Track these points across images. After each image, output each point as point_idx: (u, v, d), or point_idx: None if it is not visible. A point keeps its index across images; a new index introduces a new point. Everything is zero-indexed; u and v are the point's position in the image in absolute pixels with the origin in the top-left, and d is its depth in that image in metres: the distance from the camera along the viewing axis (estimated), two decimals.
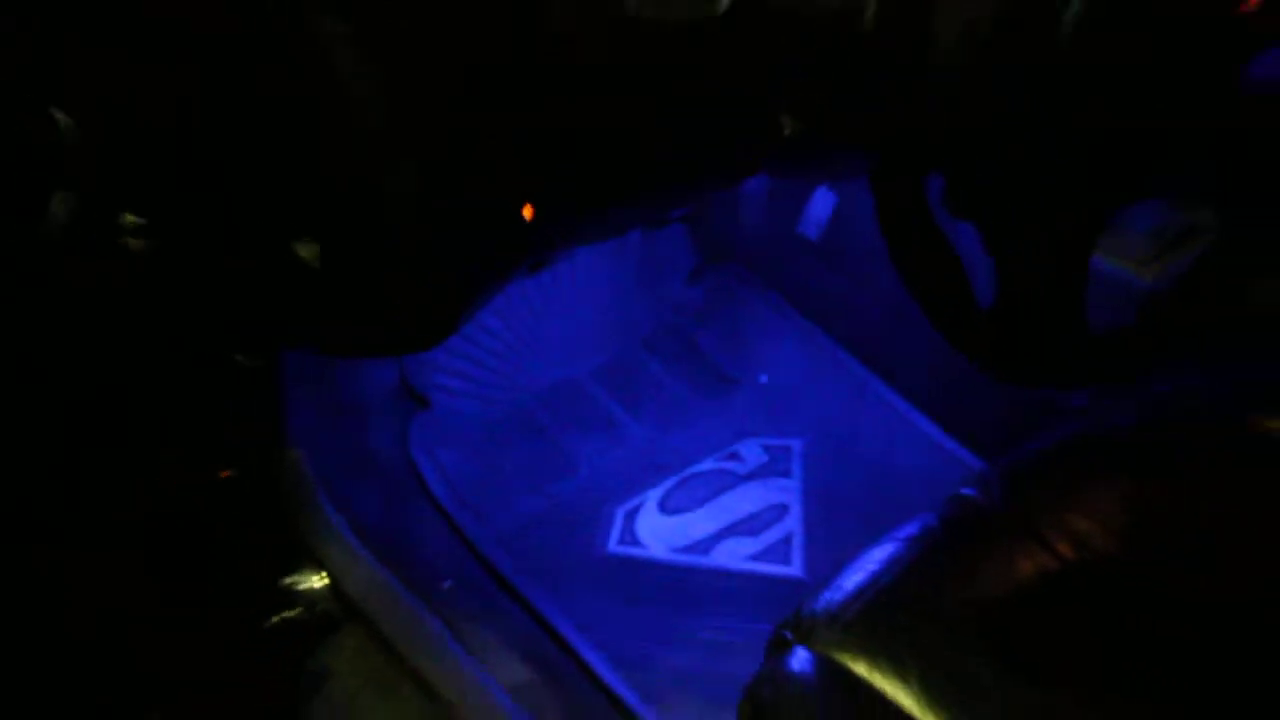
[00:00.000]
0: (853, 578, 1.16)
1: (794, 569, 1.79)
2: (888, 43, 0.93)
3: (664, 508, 1.87)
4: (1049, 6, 0.94)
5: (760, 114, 1.16)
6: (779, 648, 1.14)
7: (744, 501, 1.89)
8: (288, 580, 1.63)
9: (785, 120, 1.16)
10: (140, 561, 1.41)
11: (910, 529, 1.20)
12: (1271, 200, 1.14)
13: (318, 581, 1.63)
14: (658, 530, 1.85)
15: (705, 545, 1.82)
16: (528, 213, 1.12)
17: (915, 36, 0.93)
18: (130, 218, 1.06)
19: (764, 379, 2.06)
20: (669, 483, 1.92)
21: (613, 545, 1.83)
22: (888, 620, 1.12)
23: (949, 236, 1.00)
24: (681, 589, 1.77)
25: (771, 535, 1.84)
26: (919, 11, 0.93)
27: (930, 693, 1.06)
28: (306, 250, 1.10)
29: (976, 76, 0.96)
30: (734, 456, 1.95)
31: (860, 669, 1.08)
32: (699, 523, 1.86)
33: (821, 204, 2.02)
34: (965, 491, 1.23)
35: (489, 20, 1.05)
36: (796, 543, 1.82)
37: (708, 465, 1.94)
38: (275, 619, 1.62)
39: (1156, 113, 1.02)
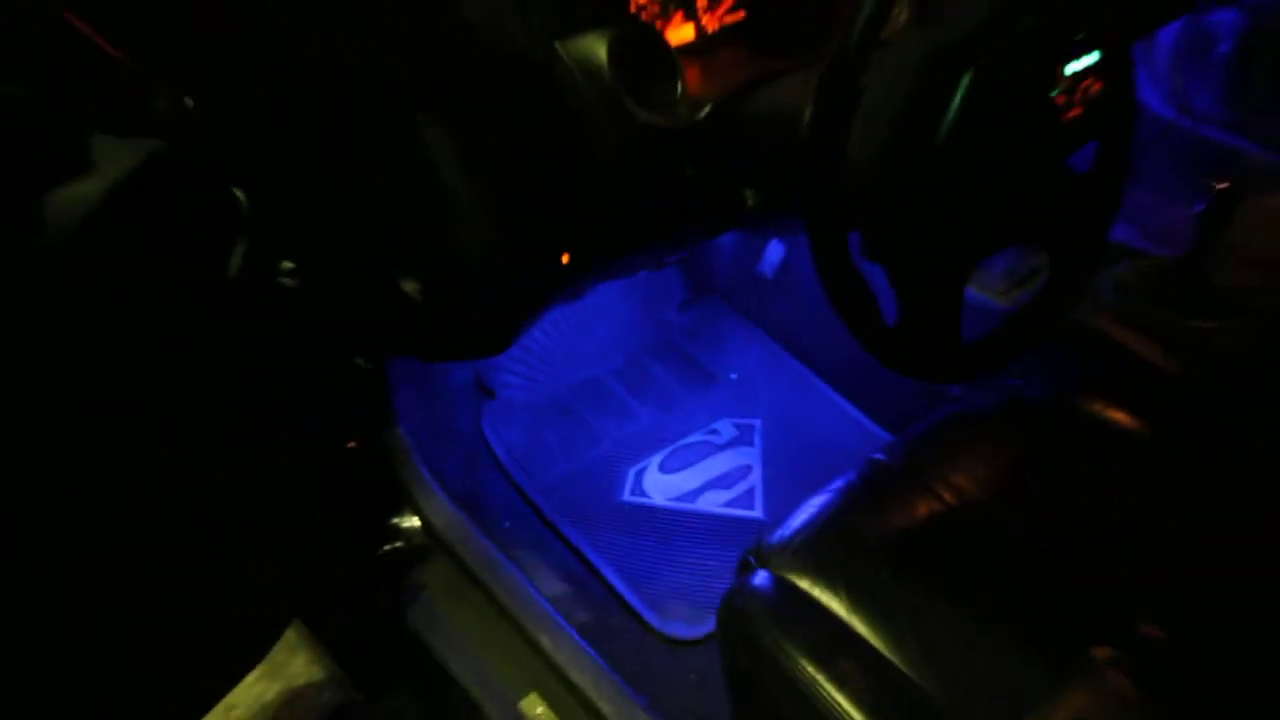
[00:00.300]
0: (798, 518, 1.17)
1: (756, 512, 1.79)
2: (817, 140, 0.94)
3: (663, 468, 1.87)
4: (929, 123, 0.96)
5: (730, 189, 1.17)
6: (745, 569, 1.16)
7: (720, 464, 1.88)
8: (393, 521, 1.63)
9: (748, 193, 1.18)
10: (201, 551, 1.25)
11: (838, 483, 1.21)
12: (1086, 252, 1.16)
13: (414, 522, 1.63)
14: (658, 484, 1.84)
15: (692, 495, 1.82)
16: (565, 259, 1.15)
17: (837, 136, 0.94)
18: (286, 264, 1.06)
19: (734, 376, 2.05)
20: (666, 450, 1.91)
21: (625, 495, 1.83)
22: (823, 548, 1.13)
23: (864, 274, 1.01)
24: (675, 527, 1.77)
25: (740, 488, 1.84)
26: (839, 120, 0.93)
27: (853, 598, 1.08)
28: (410, 287, 1.12)
29: (879, 167, 0.97)
30: (713, 432, 1.95)
31: (804, 584, 1.10)
32: (688, 479, 1.85)
33: (775, 251, 2.02)
34: (877, 456, 1.24)
35: (545, 133, 1.08)
36: (757, 493, 1.82)
37: (694, 438, 1.94)
38: (385, 549, 1.63)
39: (1008, 193, 1.04)
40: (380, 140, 1.05)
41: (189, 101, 0.94)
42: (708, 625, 1.56)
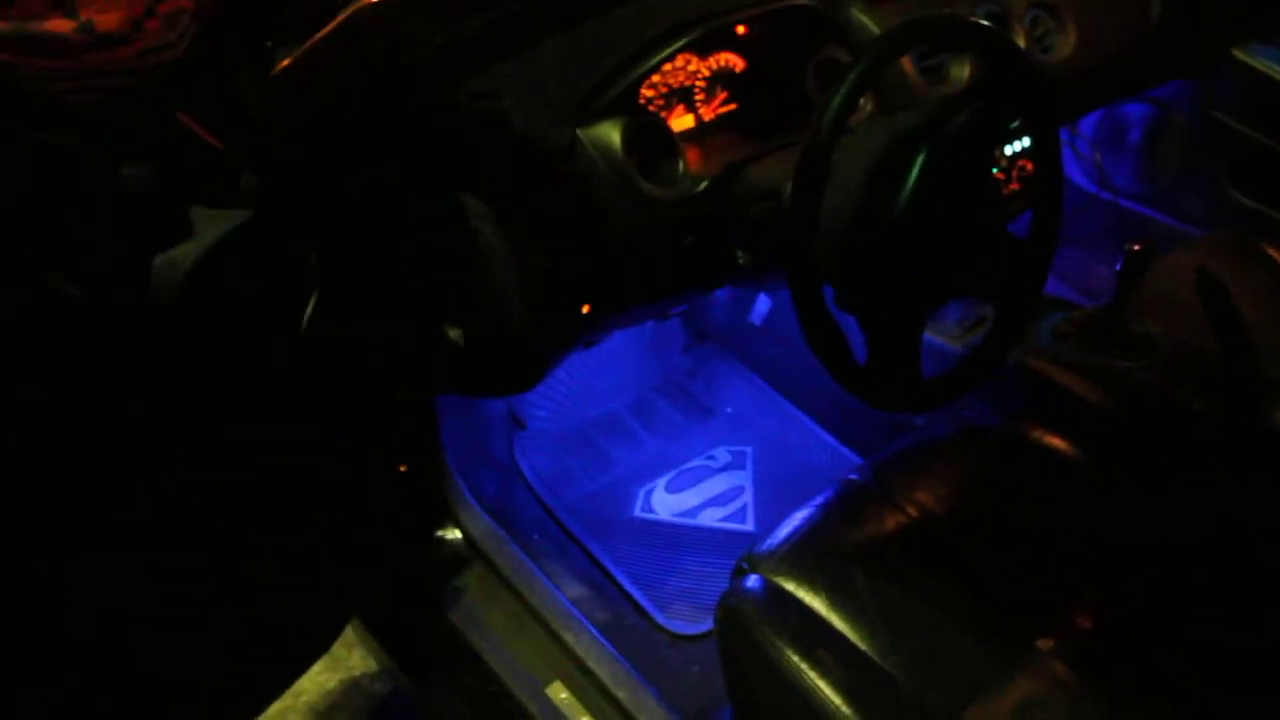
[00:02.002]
0: (784, 530, 1.17)
1: (748, 526, 1.79)
2: (797, 210, 0.95)
3: (668, 489, 1.87)
4: (890, 195, 0.98)
5: (725, 251, 1.19)
6: (739, 574, 1.15)
7: (717, 485, 1.88)
8: (438, 533, 1.63)
9: (740, 254, 1.19)
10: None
11: (818, 500, 1.21)
12: (1025, 303, 1.16)
13: (456, 534, 1.63)
14: (664, 502, 1.84)
15: (693, 512, 1.82)
16: (585, 310, 1.16)
17: (813, 207, 0.95)
18: (352, 315, 1.07)
19: (729, 410, 2.05)
20: (671, 473, 1.90)
21: (637, 512, 1.82)
22: (805, 555, 1.13)
23: (837, 321, 1.02)
24: (679, 538, 1.76)
25: (734, 505, 1.83)
26: (814, 193, 0.95)
27: (831, 598, 1.07)
28: (455, 334, 1.13)
29: (849, 232, 0.99)
30: (711, 457, 1.94)
31: (790, 586, 1.09)
32: (689, 498, 1.85)
33: (763, 302, 2.03)
34: (851, 476, 1.24)
35: (569, 205, 1.10)
36: (749, 510, 1.82)
37: (695, 463, 1.93)
38: (431, 557, 1.63)
39: (958, 254, 1.05)
40: (431, 213, 1.07)
41: (271, 182, 0.96)
42: (707, 623, 1.55)
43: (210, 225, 0.95)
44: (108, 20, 0.79)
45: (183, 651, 1.15)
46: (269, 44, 0.98)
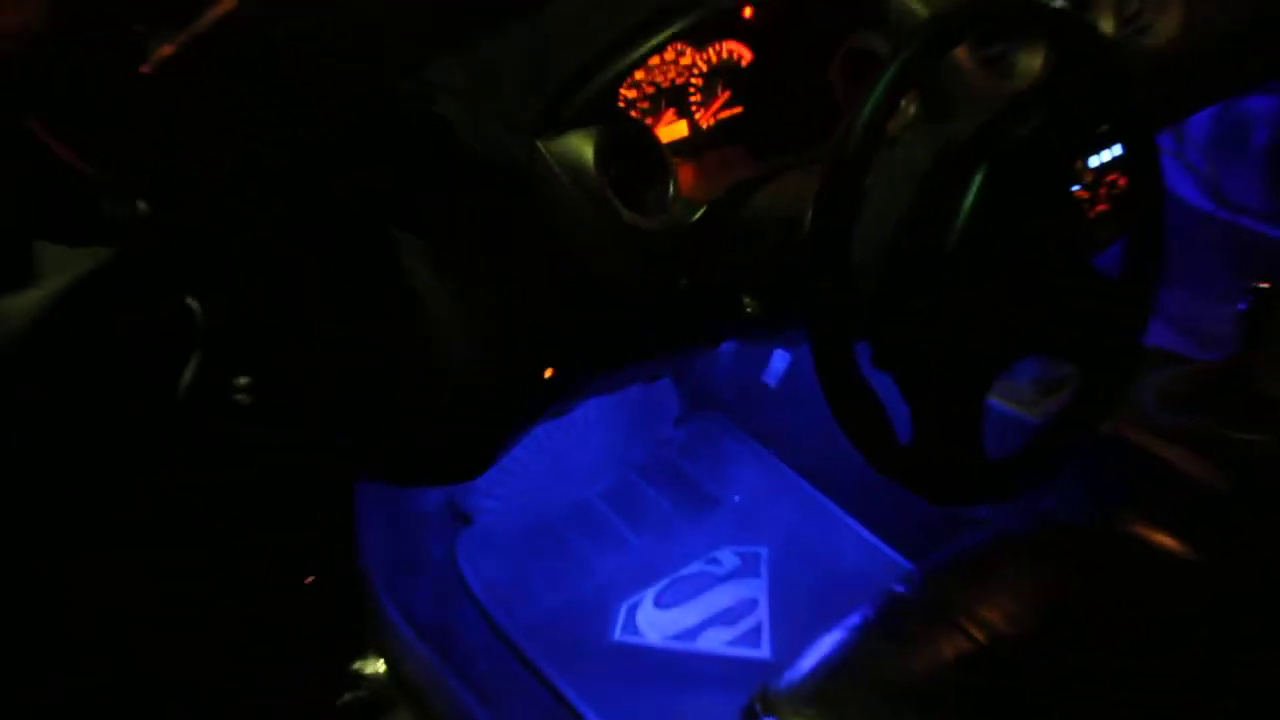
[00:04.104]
0: (808, 660, 1.17)
1: (763, 652, 1.79)
2: (819, 244, 0.96)
3: (659, 603, 1.87)
4: (940, 224, 0.99)
5: (728, 296, 1.20)
6: (750, 718, 1.16)
7: (722, 597, 1.88)
8: (355, 665, 1.63)
9: (747, 300, 1.20)
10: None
11: (854, 619, 1.22)
12: (1118, 359, 1.18)
13: (379, 667, 1.62)
14: (654, 621, 1.84)
15: (692, 633, 1.82)
16: (548, 374, 1.16)
17: (840, 239, 0.96)
18: (242, 379, 1.08)
19: (737, 498, 2.06)
20: (662, 583, 1.91)
21: (617, 634, 1.82)
22: (838, 694, 1.13)
23: (873, 386, 1.02)
24: (673, 670, 1.76)
25: (745, 625, 1.83)
26: (842, 222, 0.96)
27: None
28: (380, 404, 1.14)
29: (887, 272, 1.00)
30: (714, 561, 1.95)
31: None
32: (686, 615, 1.85)
33: (780, 360, 2.04)
34: (897, 588, 1.25)
35: (527, 239, 1.11)
36: (765, 630, 1.82)
37: (693, 568, 1.94)
38: (345, 698, 1.62)
39: (1029, 298, 1.06)
40: (348, 248, 1.08)
41: (142, 206, 0.97)
42: None
43: (59, 266, 0.96)
44: None
45: None
46: (140, 28, 1.00)
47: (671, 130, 1.29)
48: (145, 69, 0.95)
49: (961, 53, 1.39)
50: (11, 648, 1.15)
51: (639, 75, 1.25)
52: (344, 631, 1.64)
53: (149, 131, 0.97)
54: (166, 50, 0.94)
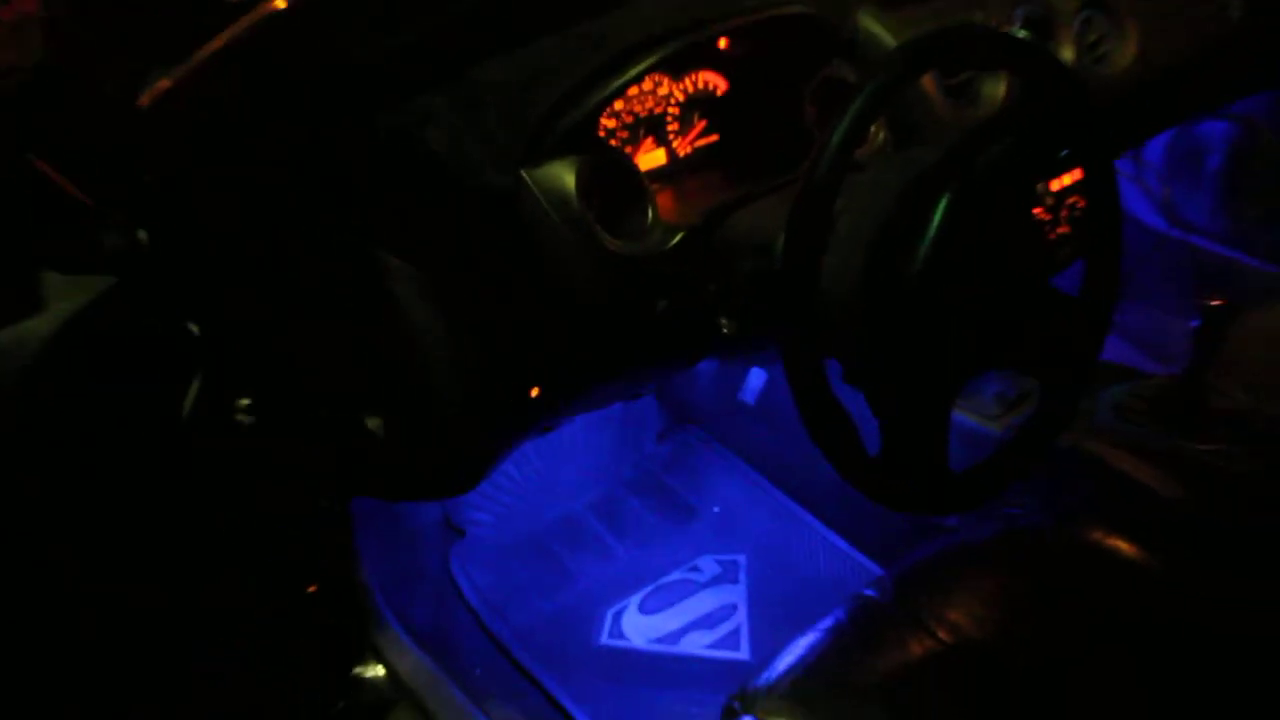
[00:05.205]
0: (784, 660, 1.17)
1: (741, 654, 1.78)
2: (791, 267, 0.96)
3: (642, 609, 1.86)
4: (906, 248, 0.99)
5: (706, 317, 1.20)
6: (730, 716, 1.15)
7: (703, 603, 1.88)
8: (356, 670, 1.62)
9: (724, 321, 1.20)
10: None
11: (826, 622, 1.21)
12: (1077, 374, 1.18)
13: (379, 671, 1.62)
14: (638, 626, 1.84)
15: (674, 637, 1.81)
16: (534, 393, 1.16)
17: (811, 262, 0.96)
18: (243, 400, 1.08)
19: (716, 509, 2.05)
20: (646, 589, 1.90)
21: (604, 639, 1.82)
22: (812, 693, 1.13)
23: (843, 402, 1.02)
24: (657, 671, 1.75)
25: (725, 628, 1.83)
26: (813, 245, 0.96)
27: None
28: (373, 423, 1.13)
29: (856, 294, 1.00)
30: (694, 569, 1.94)
31: None
32: (669, 620, 1.84)
33: (756, 377, 2.04)
34: (867, 592, 1.25)
35: (512, 263, 1.11)
36: (743, 633, 1.81)
37: (675, 576, 1.93)
38: (342, 703, 1.62)
39: (992, 317, 1.06)
40: (339, 273, 1.08)
41: (142, 237, 0.97)
42: None
43: (64, 294, 0.95)
44: None
45: None
46: (140, 63, 1.00)
47: (650, 158, 1.29)
48: (142, 103, 0.95)
49: (928, 81, 1.40)
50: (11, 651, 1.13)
51: (618, 105, 1.25)
52: (345, 638, 1.63)
53: (147, 164, 0.96)
54: (163, 85, 0.94)
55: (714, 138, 1.34)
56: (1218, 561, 1.25)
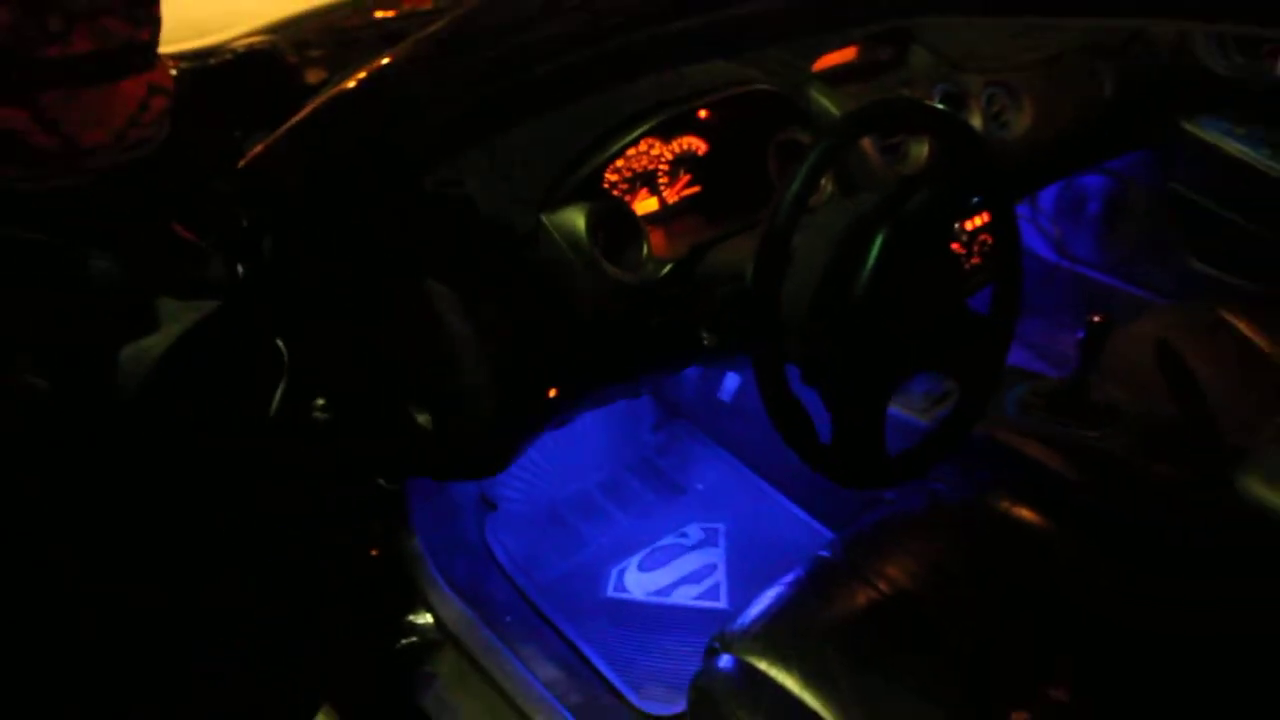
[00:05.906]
0: (756, 608, 1.17)
1: (721, 604, 1.78)
2: (758, 292, 0.96)
3: (641, 567, 1.86)
4: (850, 275, 0.99)
5: (690, 332, 1.20)
6: (711, 653, 1.15)
7: (689, 563, 1.87)
8: (409, 618, 1.62)
9: (705, 335, 1.20)
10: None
11: (790, 577, 1.21)
12: (988, 376, 1.18)
13: (428, 619, 1.62)
14: (637, 581, 1.83)
15: (667, 590, 1.81)
16: (552, 393, 1.17)
17: (774, 288, 0.97)
18: (320, 401, 1.08)
19: (700, 487, 2.05)
20: (644, 552, 1.90)
21: (610, 592, 1.81)
22: (778, 634, 1.13)
23: (802, 400, 1.03)
24: (652, 618, 1.75)
25: (707, 583, 1.82)
26: (775, 275, 0.97)
27: (804, 676, 1.07)
28: (423, 419, 1.14)
29: (810, 313, 1.00)
30: (683, 535, 1.94)
31: (761, 665, 1.09)
32: (662, 576, 1.84)
33: (732, 380, 2.04)
34: (822, 553, 1.24)
35: (534, 289, 1.11)
36: (723, 587, 1.81)
37: (667, 541, 1.93)
38: (402, 642, 1.62)
39: (919, 330, 1.07)
40: (400, 300, 1.08)
41: (240, 269, 0.97)
42: (681, 703, 1.53)
43: (177, 316, 0.95)
44: (93, 137, 0.78)
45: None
46: (237, 133, 1.00)
47: (644, 205, 1.29)
48: (240, 164, 0.95)
49: (867, 143, 1.41)
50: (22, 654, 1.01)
51: (619, 163, 1.25)
52: (400, 591, 1.63)
53: (244, 211, 0.97)
54: (257, 150, 0.95)
55: (697, 189, 1.34)
56: (1099, 525, 1.25)
